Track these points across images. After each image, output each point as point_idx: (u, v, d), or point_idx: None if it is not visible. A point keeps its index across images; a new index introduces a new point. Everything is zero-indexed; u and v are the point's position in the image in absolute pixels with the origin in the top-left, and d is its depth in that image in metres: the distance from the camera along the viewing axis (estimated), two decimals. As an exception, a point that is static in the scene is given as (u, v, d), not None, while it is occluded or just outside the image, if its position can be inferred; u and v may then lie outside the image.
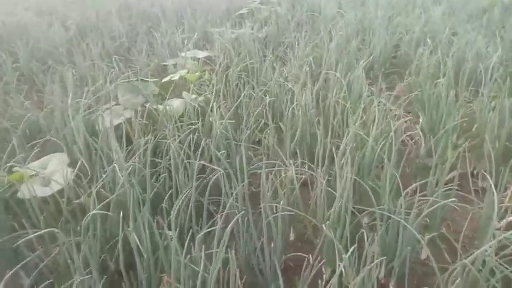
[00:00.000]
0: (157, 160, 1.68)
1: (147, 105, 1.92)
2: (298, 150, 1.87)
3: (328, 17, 3.91)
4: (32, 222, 1.40)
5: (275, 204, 1.26)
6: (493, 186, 1.33)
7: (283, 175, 1.54)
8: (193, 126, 1.80)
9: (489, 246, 1.09)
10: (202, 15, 4.16)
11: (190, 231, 1.36)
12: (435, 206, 1.26)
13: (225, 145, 1.80)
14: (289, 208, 1.28)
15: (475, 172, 1.95)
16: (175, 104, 2.06)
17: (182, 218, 1.41)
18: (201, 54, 2.89)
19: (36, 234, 1.15)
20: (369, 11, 3.91)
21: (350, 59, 2.66)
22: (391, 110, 1.95)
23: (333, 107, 2.04)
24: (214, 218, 1.31)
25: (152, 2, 4.75)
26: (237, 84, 2.36)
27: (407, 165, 1.92)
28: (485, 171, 1.69)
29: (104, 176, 1.39)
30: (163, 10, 4.35)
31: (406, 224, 1.24)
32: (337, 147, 1.73)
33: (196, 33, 3.33)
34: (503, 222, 1.50)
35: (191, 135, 1.64)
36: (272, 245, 1.23)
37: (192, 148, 1.63)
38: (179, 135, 1.76)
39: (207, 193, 1.34)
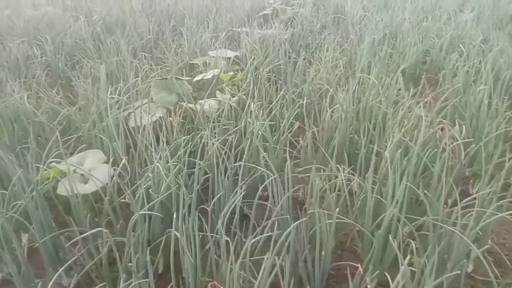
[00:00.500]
0: (196, 160, 1.65)
1: (184, 104, 1.89)
2: (335, 155, 1.83)
3: (354, 20, 3.86)
4: (74, 219, 1.38)
5: (326, 212, 1.22)
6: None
7: (325, 180, 1.50)
8: (234, 129, 1.76)
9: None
10: (226, 14, 4.13)
11: (235, 235, 1.33)
12: (492, 219, 1.22)
13: (264, 147, 1.77)
14: (339, 216, 1.24)
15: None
16: (209, 103, 2.03)
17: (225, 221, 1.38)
18: (230, 53, 2.86)
19: (84, 235, 1.12)
20: (396, 14, 3.86)
21: (383, 63, 2.61)
22: (426, 116, 1.91)
23: (369, 111, 2.00)
24: (262, 225, 1.27)
25: (174, 0, 4.73)
26: (270, 85, 2.32)
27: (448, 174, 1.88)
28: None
29: (150, 174, 1.36)
30: (188, 8, 4.33)
31: (461, 235, 1.20)
32: (375, 153, 1.70)
33: (224, 33, 3.31)
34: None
35: (232, 136, 1.61)
36: (323, 252, 1.19)
37: (233, 150, 1.60)
38: (217, 136, 1.73)
39: (256, 197, 1.31)
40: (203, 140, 1.59)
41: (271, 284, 1.04)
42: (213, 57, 2.77)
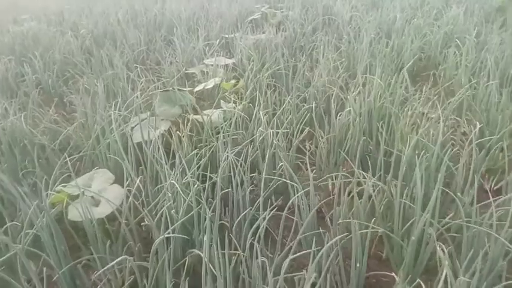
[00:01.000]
0: (208, 174, 1.59)
1: (190, 116, 1.83)
2: (348, 159, 1.79)
3: (345, 21, 3.84)
4: (88, 245, 1.31)
5: (357, 221, 1.17)
6: None
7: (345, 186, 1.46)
8: (243, 138, 1.71)
9: None
10: (216, 20, 4.07)
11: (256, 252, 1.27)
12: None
13: (275, 155, 1.72)
14: (374, 226, 1.19)
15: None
16: (215, 113, 1.97)
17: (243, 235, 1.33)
18: (227, 61, 2.81)
19: (109, 265, 1.05)
20: (386, 13, 3.86)
21: (384, 62, 2.59)
22: (438, 115, 1.88)
23: (377, 112, 1.97)
24: (290, 245, 1.21)
25: (161, 9, 4.66)
26: (273, 91, 2.28)
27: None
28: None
29: (170, 194, 1.29)
30: (176, 16, 4.26)
31: (498, 236, 1.16)
32: (388, 154, 1.66)
33: (218, 40, 3.25)
34: None
35: (246, 147, 1.55)
36: (358, 264, 1.14)
37: (248, 160, 1.55)
38: (228, 147, 1.67)
39: (285, 210, 1.25)
40: (217, 153, 1.53)
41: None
42: (210, 65, 2.72)
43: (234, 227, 1.31)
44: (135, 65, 3.00)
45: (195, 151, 1.58)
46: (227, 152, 1.48)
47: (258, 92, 2.07)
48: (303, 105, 2.20)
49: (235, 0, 5.18)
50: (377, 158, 1.67)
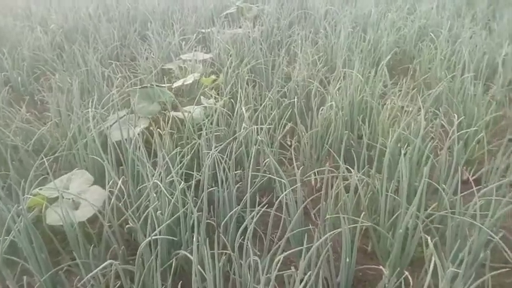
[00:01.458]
0: (192, 173, 1.56)
1: (170, 113, 1.79)
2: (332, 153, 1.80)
3: (321, 15, 3.85)
4: (69, 250, 1.26)
5: (346, 216, 1.17)
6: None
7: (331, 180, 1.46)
8: (225, 134, 1.68)
9: None
10: (191, 15, 4.01)
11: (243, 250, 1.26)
12: (510, 207, 1.22)
13: (258, 151, 1.70)
14: (363, 221, 1.19)
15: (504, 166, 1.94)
16: (197, 110, 1.93)
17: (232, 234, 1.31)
18: (204, 56, 2.77)
19: (95, 271, 1.01)
20: (361, 7, 3.89)
21: (362, 56, 2.61)
22: (404, 107, 1.91)
23: (358, 106, 1.98)
24: (278, 243, 1.20)
25: (134, 3, 4.54)
26: (253, 86, 2.26)
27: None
28: None
29: (154, 194, 1.25)
30: (150, 11, 4.16)
31: (482, 226, 1.19)
32: (367, 147, 1.67)
33: (194, 34, 3.20)
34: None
35: (230, 143, 1.53)
36: (347, 259, 1.15)
37: (233, 157, 1.52)
38: (211, 144, 1.64)
39: (273, 208, 1.24)
40: (200, 151, 1.50)
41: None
42: (188, 60, 2.67)
43: (221, 226, 1.29)
44: (109, 61, 2.92)
45: (177, 149, 1.55)
46: (211, 150, 1.45)
47: (238, 87, 2.05)
48: (284, 100, 2.19)
49: (209, -6, 5.12)
50: (359, 152, 1.68)
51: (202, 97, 2.05)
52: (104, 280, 1.21)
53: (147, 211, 1.19)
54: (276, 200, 1.32)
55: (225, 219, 1.28)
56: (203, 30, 3.54)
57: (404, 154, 1.35)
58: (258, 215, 1.21)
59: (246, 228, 1.19)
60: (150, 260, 1.11)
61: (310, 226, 1.28)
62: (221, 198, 1.41)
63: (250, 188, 1.40)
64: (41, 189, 1.46)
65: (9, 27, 3.68)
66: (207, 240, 1.12)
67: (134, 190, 1.50)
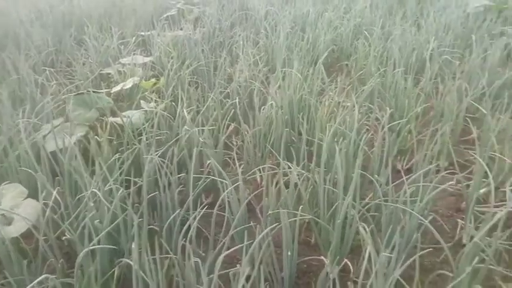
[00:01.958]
0: (132, 179, 1.53)
1: (109, 119, 1.74)
2: (273, 151, 1.84)
3: (262, 15, 3.91)
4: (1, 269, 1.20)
5: (286, 210, 1.21)
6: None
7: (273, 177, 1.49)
8: (166, 138, 1.67)
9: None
10: (130, 18, 3.91)
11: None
12: (437, 190, 1.31)
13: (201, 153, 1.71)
14: (302, 214, 1.23)
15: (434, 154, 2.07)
16: (136, 115, 1.90)
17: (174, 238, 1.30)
18: (144, 59, 2.72)
19: (29, 287, 0.97)
20: (300, 7, 3.99)
21: (301, 55, 2.68)
22: (341, 103, 2.00)
23: (298, 104, 2.04)
24: (222, 241, 1.21)
25: (69, 7, 4.36)
26: (195, 88, 2.25)
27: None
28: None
29: (92, 203, 1.22)
30: (87, 15, 4.01)
31: (412, 211, 1.27)
32: (312, 144, 1.73)
33: (133, 38, 3.12)
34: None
35: (171, 148, 1.52)
36: (289, 252, 1.18)
37: (174, 161, 1.51)
38: (152, 149, 1.62)
39: (215, 208, 1.24)
40: (141, 157, 1.47)
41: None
42: (127, 64, 2.61)
43: (164, 230, 1.28)
44: (43, 68, 2.78)
45: (116, 155, 1.51)
46: (151, 154, 1.43)
47: (180, 89, 2.03)
48: (227, 101, 2.21)
49: (149, -4, 5.02)
50: (301, 148, 1.73)
51: (142, 101, 2.01)
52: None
53: (83, 221, 1.16)
54: (222, 200, 1.33)
55: (167, 223, 1.27)
56: (143, 33, 3.47)
57: (340, 149, 1.41)
58: (202, 216, 1.22)
59: (189, 231, 1.19)
60: (90, 272, 1.08)
61: (252, 223, 1.30)
62: (163, 203, 1.39)
63: (194, 190, 1.39)
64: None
65: None
66: (149, 246, 1.11)
67: (72, 201, 1.45)
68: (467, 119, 2.07)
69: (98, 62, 2.84)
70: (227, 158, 1.91)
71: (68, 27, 3.75)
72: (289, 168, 1.50)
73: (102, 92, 1.95)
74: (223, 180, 1.30)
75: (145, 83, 2.17)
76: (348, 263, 1.36)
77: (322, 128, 1.84)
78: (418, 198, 1.27)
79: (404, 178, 1.31)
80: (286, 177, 1.51)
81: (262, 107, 1.92)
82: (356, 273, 1.34)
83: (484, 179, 1.59)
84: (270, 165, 1.35)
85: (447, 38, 2.97)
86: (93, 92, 1.92)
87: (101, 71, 2.67)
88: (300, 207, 1.20)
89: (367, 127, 1.89)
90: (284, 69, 2.35)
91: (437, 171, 1.66)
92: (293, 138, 1.96)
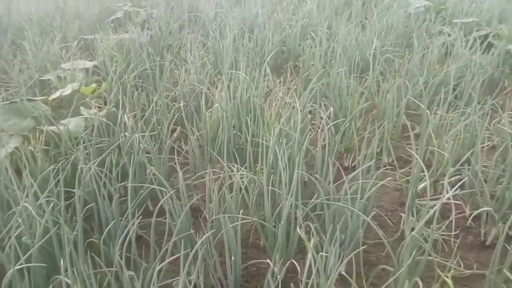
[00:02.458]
0: (70, 190, 1.45)
1: (44, 127, 1.65)
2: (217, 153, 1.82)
3: (211, 17, 3.88)
4: None
5: (228, 215, 1.19)
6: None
7: (220, 181, 1.47)
8: (108, 147, 1.60)
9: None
10: (73, 21, 3.76)
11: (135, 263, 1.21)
12: (376, 187, 1.34)
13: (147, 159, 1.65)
14: (243, 216, 1.22)
15: (378, 150, 2.13)
16: (74, 122, 1.81)
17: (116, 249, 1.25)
18: (87, 63, 2.61)
19: None
20: (249, 9, 4.00)
21: (248, 57, 2.68)
22: (287, 103, 2.01)
23: (245, 105, 2.03)
24: (164, 248, 1.18)
25: (7, 9, 4.12)
26: (139, 92, 2.19)
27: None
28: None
29: (19, 219, 1.14)
30: (26, 18, 3.81)
31: (353, 209, 1.29)
32: (259, 145, 1.73)
33: (75, 42, 3.00)
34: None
35: (110, 155, 1.46)
36: (233, 258, 1.16)
37: (113, 170, 1.45)
38: (92, 157, 1.55)
39: (154, 215, 1.20)
40: (79, 165, 1.41)
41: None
42: (68, 70, 2.49)
43: (101, 242, 1.22)
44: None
45: (51, 166, 1.43)
46: (88, 165, 1.37)
47: (121, 94, 1.96)
48: (174, 105, 2.16)
49: (94, -2, 4.85)
50: (250, 151, 1.72)
51: (82, 108, 1.93)
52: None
53: (11, 239, 1.08)
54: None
55: (104, 234, 1.22)
56: (86, 37, 3.34)
57: (284, 150, 1.41)
58: (146, 225, 1.18)
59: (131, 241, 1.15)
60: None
61: (192, 231, 1.27)
62: (103, 214, 1.34)
63: (135, 199, 1.35)
64: None
65: None
66: (88, 260, 1.06)
67: (4, 217, 1.36)
68: (410, 115, 2.15)
69: (38, 68, 2.70)
70: (173, 164, 1.86)
71: (5, 32, 3.54)
72: (237, 171, 1.49)
73: (38, 100, 1.84)
74: (162, 188, 1.26)
75: (85, 88, 2.08)
76: (295, 263, 1.36)
77: (268, 129, 1.84)
78: (358, 195, 1.29)
79: (344, 178, 1.33)
80: (231, 181, 1.49)
81: (209, 110, 1.89)
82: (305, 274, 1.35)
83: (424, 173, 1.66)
84: (214, 170, 1.32)
85: (390, 38, 3.07)
86: (28, 99, 1.81)
87: (40, 77, 2.54)
88: (241, 211, 1.19)
89: (314, 127, 1.91)
90: (231, 71, 2.34)
91: (381, 167, 1.70)
92: (241, 140, 1.95)
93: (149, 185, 1.38)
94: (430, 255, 1.23)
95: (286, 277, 1.37)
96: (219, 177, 1.42)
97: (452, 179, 1.76)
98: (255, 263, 1.44)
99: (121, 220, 1.31)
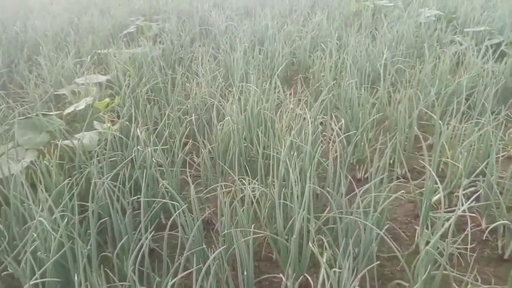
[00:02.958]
0: (84, 203, 1.47)
1: (59, 142, 1.68)
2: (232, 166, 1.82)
3: (221, 30, 3.92)
4: None
5: (240, 229, 1.19)
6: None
7: (232, 194, 1.48)
8: (122, 160, 1.62)
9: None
10: (87, 36, 3.83)
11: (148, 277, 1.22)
12: (388, 200, 1.33)
13: (159, 173, 1.67)
14: (255, 230, 1.22)
15: (390, 162, 2.11)
16: (88, 136, 1.84)
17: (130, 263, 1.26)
18: (100, 78, 2.66)
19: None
20: (259, 21, 4.03)
21: (259, 69, 2.70)
22: (298, 115, 2.01)
23: (256, 118, 2.03)
24: (177, 262, 1.18)
25: (24, 26, 4.23)
26: (152, 106, 2.21)
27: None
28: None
29: (34, 234, 1.16)
30: (41, 34, 3.90)
31: (366, 222, 1.28)
32: (271, 158, 1.73)
33: (89, 56, 3.05)
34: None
35: (124, 169, 1.47)
36: (245, 272, 1.16)
37: (126, 183, 1.47)
38: (105, 171, 1.57)
39: (166, 229, 1.21)
40: (92, 179, 1.42)
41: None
42: (82, 84, 2.54)
43: (114, 256, 1.23)
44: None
45: (66, 180, 1.45)
46: (103, 178, 1.39)
47: (134, 108, 1.99)
48: (186, 118, 2.18)
49: (107, 13, 4.95)
50: (261, 164, 1.72)
51: (96, 122, 1.96)
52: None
53: (26, 253, 1.10)
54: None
55: (117, 248, 1.22)
56: (100, 52, 3.40)
57: (295, 163, 1.41)
58: (160, 238, 1.18)
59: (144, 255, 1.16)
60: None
61: (204, 246, 1.27)
62: (116, 227, 1.35)
63: (148, 213, 1.36)
64: None
65: None
66: (102, 274, 1.06)
67: (19, 231, 1.38)
68: (422, 126, 2.13)
69: (53, 83, 2.76)
70: (185, 177, 1.88)
71: (21, 48, 3.63)
72: (248, 184, 1.49)
73: (52, 114, 1.88)
74: (174, 203, 1.27)
75: (99, 103, 2.11)
76: (308, 278, 1.35)
77: (279, 141, 1.84)
78: (371, 208, 1.28)
79: (357, 190, 1.32)
80: (243, 194, 1.49)
81: (220, 123, 1.91)
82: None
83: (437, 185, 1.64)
84: (226, 183, 1.33)
85: (401, 48, 3.06)
86: (43, 114, 1.85)
87: (55, 92, 2.59)
88: (253, 225, 1.18)
89: (323, 138, 1.91)
90: (242, 83, 2.35)
91: (394, 179, 1.69)
92: (252, 152, 1.96)
93: (161, 200, 1.39)
94: (445, 269, 1.21)
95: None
96: (231, 190, 1.42)
97: (467, 190, 1.73)
98: (267, 277, 1.43)
99: (134, 233, 1.32)
